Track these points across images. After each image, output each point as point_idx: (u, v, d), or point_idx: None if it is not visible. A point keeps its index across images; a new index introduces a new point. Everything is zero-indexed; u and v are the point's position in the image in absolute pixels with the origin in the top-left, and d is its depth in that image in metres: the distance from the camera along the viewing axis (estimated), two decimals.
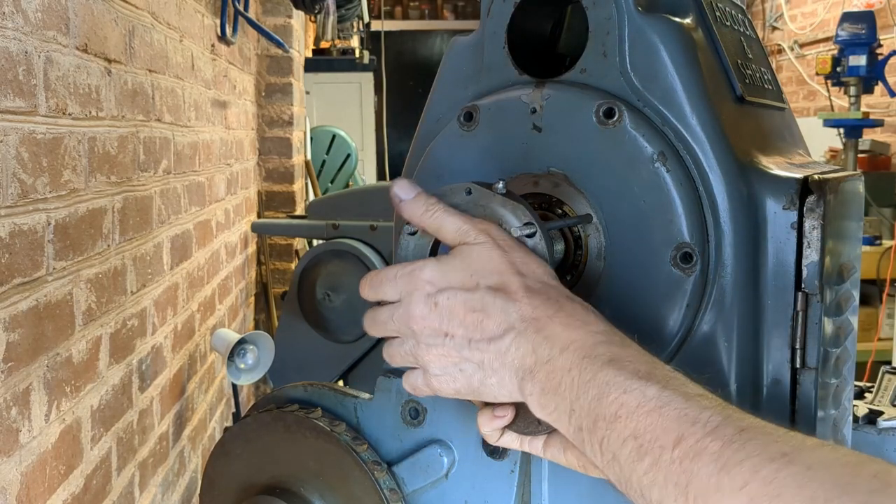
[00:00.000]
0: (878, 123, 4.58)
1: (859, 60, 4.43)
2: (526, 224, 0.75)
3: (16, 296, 1.30)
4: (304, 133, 4.64)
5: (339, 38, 6.07)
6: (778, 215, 0.82)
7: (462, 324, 0.72)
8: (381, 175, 6.47)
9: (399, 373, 0.95)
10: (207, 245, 2.79)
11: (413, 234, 0.80)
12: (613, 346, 0.67)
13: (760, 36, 2.89)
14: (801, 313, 0.82)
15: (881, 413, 1.08)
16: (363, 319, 0.79)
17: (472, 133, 0.89)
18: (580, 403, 0.66)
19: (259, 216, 3.94)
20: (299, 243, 4.11)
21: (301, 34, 4.64)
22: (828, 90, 5.21)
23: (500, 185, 0.76)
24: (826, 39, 6.22)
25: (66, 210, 1.51)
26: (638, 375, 0.64)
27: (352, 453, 0.92)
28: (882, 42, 4.57)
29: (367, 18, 7.30)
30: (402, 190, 0.78)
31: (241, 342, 2.59)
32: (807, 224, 0.81)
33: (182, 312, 2.40)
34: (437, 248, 0.80)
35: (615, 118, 0.82)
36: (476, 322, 0.71)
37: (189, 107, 2.50)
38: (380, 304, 0.78)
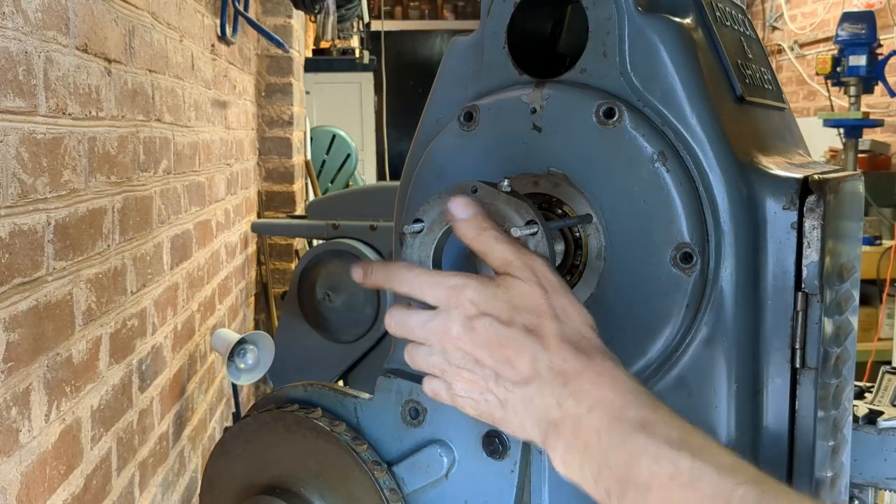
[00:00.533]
0: (878, 123, 4.58)
1: (859, 60, 4.43)
2: (529, 222, 0.75)
3: (16, 296, 1.30)
4: (304, 133, 4.64)
5: (339, 38, 6.07)
6: (778, 215, 0.82)
7: (492, 356, 0.71)
8: (381, 175, 6.47)
9: (399, 373, 0.95)
10: (207, 245, 2.79)
11: (418, 232, 0.79)
12: (644, 409, 0.66)
13: (760, 36, 2.89)
14: (801, 313, 0.82)
15: (881, 413, 1.08)
16: (387, 315, 0.77)
17: (472, 133, 0.89)
18: (609, 467, 0.65)
19: (259, 216, 3.94)
20: (299, 243, 4.11)
21: (301, 34, 4.64)
22: (828, 90, 5.21)
23: (505, 183, 0.76)
24: (826, 39, 6.22)
25: (66, 210, 1.51)
26: (670, 443, 0.63)
27: (352, 453, 0.92)
28: (882, 42, 4.57)
29: (367, 18, 7.30)
30: (460, 208, 0.76)
31: (241, 342, 2.59)
32: (807, 224, 0.81)
33: (182, 312, 2.40)
34: (441, 249, 0.80)
35: (615, 118, 0.82)
36: (505, 359, 0.71)
37: (189, 107, 2.50)
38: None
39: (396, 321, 0.77)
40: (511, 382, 0.70)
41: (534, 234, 0.75)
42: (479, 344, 0.71)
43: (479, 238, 0.74)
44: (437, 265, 0.80)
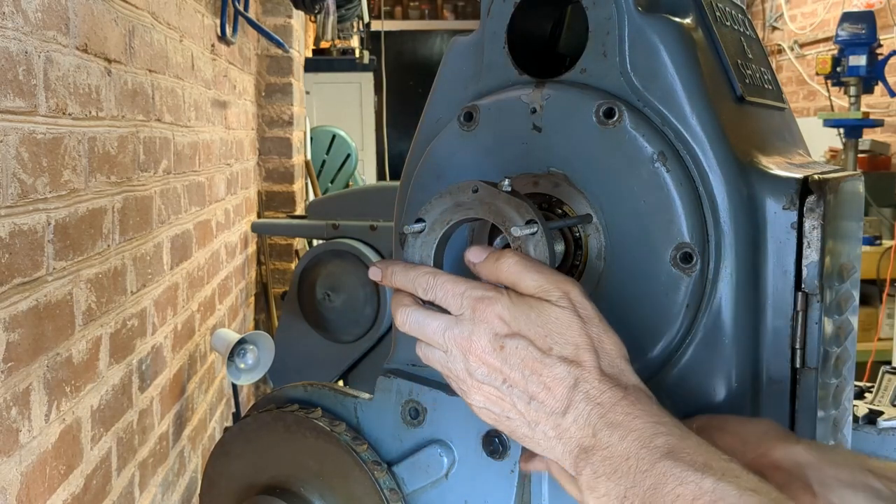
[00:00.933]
0: (878, 123, 4.58)
1: (859, 60, 4.43)
2: (529, 222, 0.75)
3: (16, 296, 1.30)
4: (304, 133, 4.64)
5: (339, 38, 6.07)
6: (778, 215, 0.82)
7: (526, 379, 0.71)
8: (381, 175, 6.47)
9: (399, 373, 0.95)
10: (207, 245, 2.79)
11: (419, 232, 0.79)
12: (672, 438, 0.67)
13: (760, 36, 2.89)
14: (801, 313, 0.82)
15: (881, 413, 1.08)
16: (399, 312, 0.76)
17: (472, 133, 0.89)
18: (634, 491, 0.66)
19: (259, 216, 3.94)
20: (299, 243, 4.11)
21: (301, 34, 4.64)
22: (828, 90, 5.21)
23: (506, 183, 0.76)
24: (826, 39, 6.22)
25: (66, 210, 1.51)
26: (695, 467, 0.64)
27: (352, 453, 0.92)
28: (882, 42, 4.57)
29: (367, 18, 7.30)
30: (475, 255, 0.76)
31: (241, 342, 2.59)
32: (807, 224, 0.81)
33: (182, 312, 2.40)
34: (443, 248, 0.80)
35: (615, 118, 0.82)
36: (542, 385, 0.71)
37: (189, 107, 2.50)
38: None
39: (413, 322, 0.76)
40: (546, 409, 0.71)
41: (533, 233, 0.75)
42: (512, 365, 0.71)
43: (503, 269, 0.74)
44: (439, 265, 0.80)
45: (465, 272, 0.77)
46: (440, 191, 0.79)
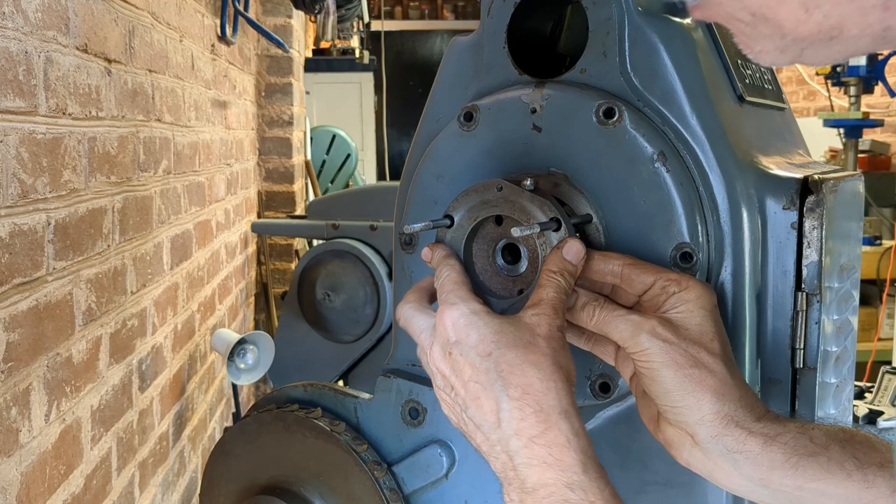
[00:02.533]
0: (878, 123, 4.58)
1: (859, 60, 4.43)
2: (552, 219, 0.77)
3: (16, 296, 1.30)
4: (304, 133, 4.64)
5: (339, 38, 6.06)
6: (778, 215, 0.82)
7: (465, 388, 0.72)
8: (381, 175, 6.47)
9: (399, 373, 0.95)
10: (207, 245, 2.79)
11: (448, 227, 0.82)
12: (588, 493, 0.66)
13: None
14: (801, 313, 0.82)
15: (881, 413, 1.08)
16: (399, 306, 0.78)
17: (472, 133, 0.89)
18: None
19: (259, 216, 3.94)
20: (299, 243, 4.11)
21: (301, 34, 4.64)
22: (828, 90, 5.21)
23: (529, 181, 0.78)
24: None
25: (66, 210, 1.51)
26: None
27: (352, 453, 0.92)
28: None
29: (367, 18, 7.29)
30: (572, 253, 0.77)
31: (241, 342, 2.59)
32: (807, 224, 0.81)
33: (182, 312, 2.40)
34: (471, 243, 0.82)
35: (615, 118, 0.82)
36: (473, 398, 0.71)
37: (189, 107, 2.50)
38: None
39: (404, 317, 0.78)
40: (476, 422, 0.71)
41: (557, 230, 0.77)
42: (457, 373, 0.72)
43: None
44: (468, 260, 0.82)
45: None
46: (465, 189, 0.81)
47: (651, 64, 0.84)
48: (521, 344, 0.70)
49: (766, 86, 1.01)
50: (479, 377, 0.70)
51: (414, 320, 0.77)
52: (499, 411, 0.69)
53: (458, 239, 0.82)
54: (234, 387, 3.11)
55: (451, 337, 0.72)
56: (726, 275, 0.82)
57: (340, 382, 2.44)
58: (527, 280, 0.81)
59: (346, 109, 5.79)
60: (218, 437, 2.79)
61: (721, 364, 0.72)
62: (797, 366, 0.83)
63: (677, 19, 0.86)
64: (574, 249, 0.76)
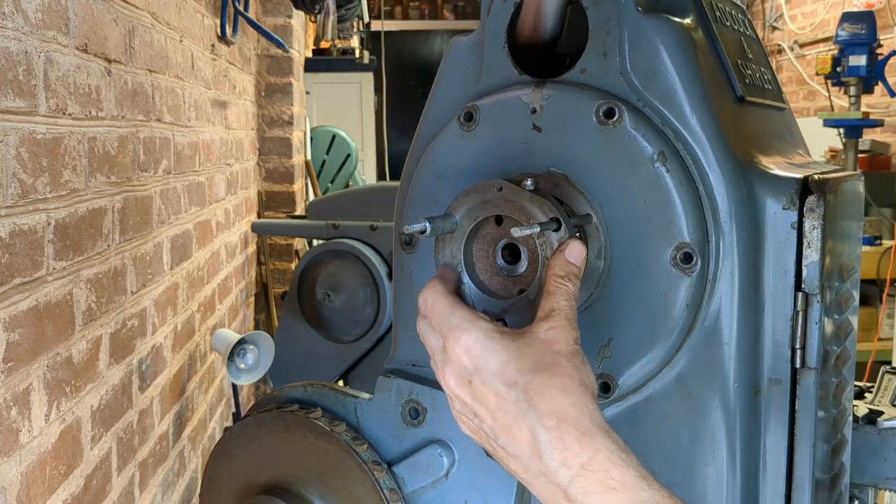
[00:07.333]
0: (878, 123, 4.58)
1: (859, 60, 4.43)
2: (552, 219, 0.77)
3: (16, 296, 1.30)
4: (304, 133, 4.64)
5: (339, 38, 6.06)
6: (778, 215, 0.82)
7: (492, 418, 0.71)
8: (381, 175, 6.47)
9: (399, 373, 0.95)
10: (207, 245, 2.78)
11: (450, 229, 0.81)
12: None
13: (760, 36, 2.89)
14: (801, 313, 0.82)
15: (881, 413, 1.08)
16: (419, 319, 0.77)
17: (472, 133, 0.89)
18: None
19: (259, 216, 3.94)
20: (299, 243, 4.11)
21: (301, 34, 4.64)
22: (828, 90, 5.21)
23: (529, 182, 0.78)
24: (826, 39, 6.22)
25: (66, 210, 1.51)
26: None
27: (352, 453, 0.92)
28: (882, 42, 4.57)
29: (367, 18, 7.30)
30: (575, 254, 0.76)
31: (241, 342, 2.59)
32: (807, 224, 0.81)
33: (182, 312, 2.40)
34: (471, 242, 0.82)
35: (615, 118, 0.82)
36: (505, 430, 0.70)
37: (189, 107, 2.50)
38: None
39: (420, 333, 0.77)
40: (510, 451, 0.70)
41: (556, 230, 0.77)
42: (480, 401, 0.71)
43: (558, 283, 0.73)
44: (468, 259, 0.82)
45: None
46: (466, 189, 0.81)
47: (651, 64, 0.84)
48: (545, 367, 0.68)
49: (766, 86, 1.01)
50: (507, 407, 0.68)
51: (427, 338, 0.76)
52: (536, 443, 0.66)
53: (458, 239, 0.82)
54: (234, 387, 3.11)
55: (467, 365, 0.70)
56: (726, 275, 0.82)
57: (340, 382, 2.44)
58: (527, 280, 0.81)
59: (346, 109, 5.79)
60: (218, 437, 2.78)
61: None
62: (797, 366, 0.83)
63: (677, 19, 0.86)
64: (577, 251, 0.75)
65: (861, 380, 1.19)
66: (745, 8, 1.09)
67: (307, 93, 5.11)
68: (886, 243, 4.59)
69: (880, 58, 4.48)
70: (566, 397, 0.66)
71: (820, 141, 5.30)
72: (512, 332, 0.72)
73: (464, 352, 0.70)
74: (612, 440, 0.66)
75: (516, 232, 0.75)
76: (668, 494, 0.64)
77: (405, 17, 10.53)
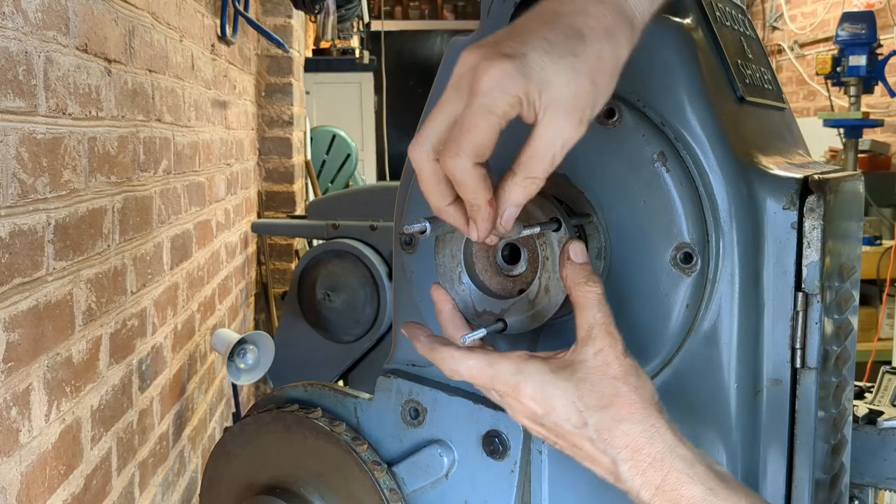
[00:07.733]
0: (878, 123, 4.58)
1: (859, 60, 4.43)
2: (552, 219, 0.77)
3: (16, 296, 1.30)
4: (304, 133, 4.64)
5: (339, 38, 6.06)
6: (778, 215, 0.82)
7: (572, 448, 0.74)
8: (381, 175, 6.47)
9: (399, 373, 0.95)
10: (207, 245, 2.79)
11: (449, 232, 0.81)
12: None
13: (760, 36, 2.88)
14: (801, 313, 0.82)
15: (881, 413, 1.08)
16: (450, 361, 0.76)
17: None
18: None
19: (259, 216, 3.94)
20: (299, 243, 4.11)
21: (301, 34, 4.64)
22: (828, 90, 5.21)
23: None
24: (826, 39, 6.22)
25: (66, 210, 1.51)
26: None
27: (352, 453, 0.92)
28: (882, 42, 4.57)
29: (367, 18, 7.30)
30: (577, 253, 0.77)
31: (241, 342, 2.59)
32: (807, 224, 0.81)
33: (182, 312, 2.40)
34: (471, 245, 0.82)
35: (615, 118, 0.82)
36: (587, 458, 0.74)
37: (189, 107, 2.50)
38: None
39: (479, 387, 0.77)
40: (599, 470, 0.74)
41: (556, 230, 0.77)
42: (558, 435, 0.74)
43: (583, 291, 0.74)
44: (468, 262, 0.82)
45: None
46: None
47: (651, 64, 0.84)
48: (607, 401, 0.71)
49: (766, 86, 1.00)
50: (583, 444, 0.72)
51: (488, 393, 0.77)
52: (617, 471, 0.71)
53: (458, 240, 0.81)
54: (234, 387, 3.11)
55: (537, 411, 0.73)
56: (726, 275, 0.82)
57: (340, 382, 2.44)
58: (527, 280, 0.81)
59: (346, 109, 5.79)
60: (218, 437, 2.78)
61: None
62: (797, 366, 0.83)
63: (677, 19, 0.86)
64: (578, 249, 0.76)
65: (861, 380, 1.19)
66: (745, 8, 1.09)
67: (307, 93, 5.11)
68: (886, 243, 4.59)
69: (880, 58, 4.48)
70: (634, 426, 0.70)
71: (820, 141, 5.30)
72: (562, 364, 0.73)
73: (529, 400, 0.73)
74: (681, 459, 0.70)
75: (516, 232, 0.75)
76: (737, 497, 0.69)
77: (405, 17, 10.53)
